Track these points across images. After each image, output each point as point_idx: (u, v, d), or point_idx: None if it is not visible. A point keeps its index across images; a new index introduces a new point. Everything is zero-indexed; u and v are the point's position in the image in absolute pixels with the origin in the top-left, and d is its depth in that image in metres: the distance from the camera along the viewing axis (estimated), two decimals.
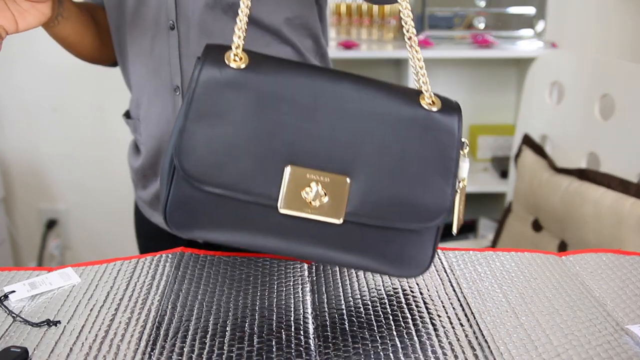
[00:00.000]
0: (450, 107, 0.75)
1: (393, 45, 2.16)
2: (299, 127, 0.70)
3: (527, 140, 1.63)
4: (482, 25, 2.14)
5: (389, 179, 0.71)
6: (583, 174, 1.42)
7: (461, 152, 0.74)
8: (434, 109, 0.73)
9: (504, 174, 2.12)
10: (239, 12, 0.71)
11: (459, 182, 0.75)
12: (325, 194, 0.70)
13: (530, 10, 2.13)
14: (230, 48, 0.72)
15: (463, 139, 0.75)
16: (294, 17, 1.04)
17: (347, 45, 2.11)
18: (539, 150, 1.59)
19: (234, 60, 0.71)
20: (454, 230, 0.76)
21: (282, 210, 0.70)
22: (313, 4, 1.07)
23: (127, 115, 1.17)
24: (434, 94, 0.75)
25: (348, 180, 0.71)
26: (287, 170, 0.70)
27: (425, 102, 0.74)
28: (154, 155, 1.10)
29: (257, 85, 0.70)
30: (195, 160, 0.69)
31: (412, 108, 0.73)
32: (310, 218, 0.71)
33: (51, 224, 2.37)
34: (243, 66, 0.71)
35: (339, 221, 0.71)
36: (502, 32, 2.15)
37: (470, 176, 2.20)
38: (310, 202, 0.70)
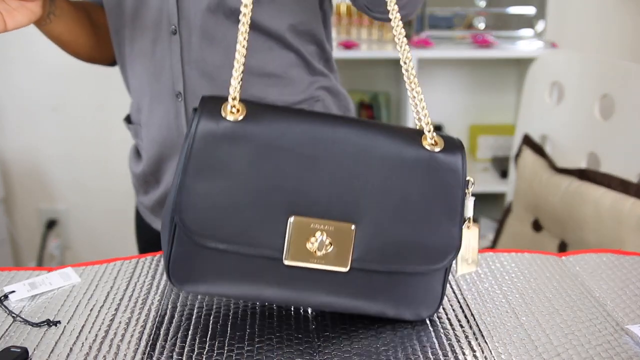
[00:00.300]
0: (453, 146, 0.73)
1: (393, 45, 2.16)
2: (300, 176, 0.69)
3: (527, 140, 1.63)
4: (482, 25, 2.14)
5: (394, 223, 0.71)
6: (583, 174, 1.42)
7: (466, 190, 0.73)
8: (437, 149, 0.72)
9: (504, 174, 2.12)
10: (234, 62, 0.70)
11: (466, 221, 0.74)
12: (331, 243, 0.69)
13: (530, 10, 2.13)
14: (226, 99, 0.70)
15: (468, 177, 0.73)
16: (298, 24, 1.03)
17: (347, 45, 2.11)
18: (539, 150, 1.59)
19: (231, 112, 0.70)
20: (458, 272, 0.75)
21: (287, 262, 0.69)
22: (317, 10, 1.06)
23: (128, 120, 1.16)
24: (436, 133, 0.74)
25: (353, 227, 0.70)
26: (291, 220, 0.69)
27: (427, 142, 0.72)
28: (156, 161, 1.09)
29: (255, 137, 0.69)
30: (197, 216, 0.68)
31: (415, 149, 0.71)
32: (316, 268, 0.70)
33: (51, 224, 2.37)
34: (240, 118, 0.69)
35: (346, 269, 0.70)
36: (502, 32, 2.15)
37: (470, 176, 2.20)
38: (315, 252, 0.69)
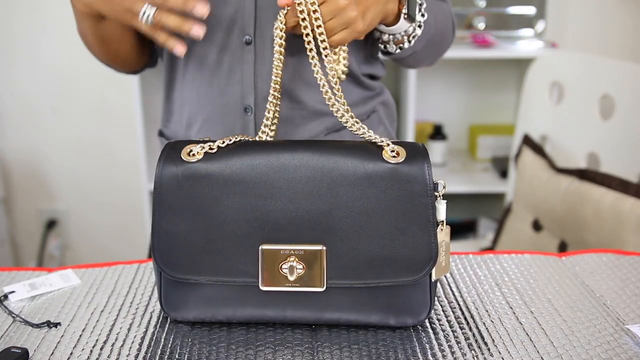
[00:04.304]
0: (416, 153, 0.73)
1: None
2: (265, 206, 0.72)
3: (527, 140, 1.63)
4: (482, 25, 2.14)
5: (364, 239, 0.72)
6: (583, 174, 1.42)
7: (436, 194, 0.73)
8: (399, 160, 0.72)
9: (504, 174, 2.12)
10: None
11: (438, 225, 0.73)
12: (303, 267, 0.72)
13: (530, 10, 2.13)
14: (187, 143, 0.75)
15: (438, 181, 0.73)
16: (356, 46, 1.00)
17: None
18: (539, 150, 1.59)
19: (190, 154, 0.74)
20: (434, 276, 0.74)
21: (264, 288, 0.72)
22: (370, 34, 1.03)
23: (161, 134, 1.08)
24: (398, 143, 0.75)
25: (323, 248, 0.72)
26: (261, 250, 0.72)
27: (388, 154, 0.73)
28: None
29: (215, 174, 0.73)
30: (171, 255, 0.73)
31: (375, 163, 0.72)
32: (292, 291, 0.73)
33: (51, 224, 2.37)
34: (200, 158, 0.73)
35: (322, 289, 0.72)
36: (502, 32, 2.15)
37: (470, 176, 2.20)
38: (288, 277, 0.72)
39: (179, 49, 0.86)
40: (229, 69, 0.96)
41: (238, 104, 0.97)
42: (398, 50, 0.96)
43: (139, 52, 1.03)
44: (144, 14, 0.83)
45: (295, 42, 0.95)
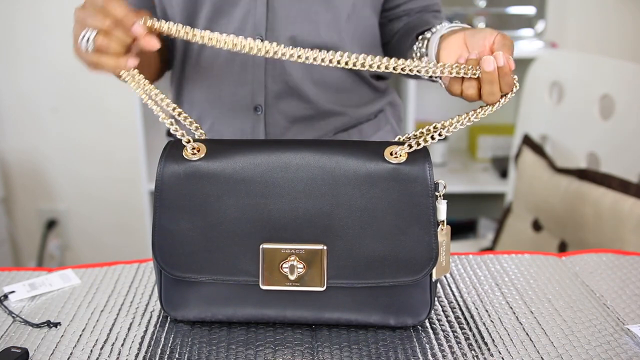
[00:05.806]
0: (417, 154, 0.74)
1: None
2: (266, 204, 0.72)
3: (527, 140, 1.63)
4: (482, 25, 2.13)
5: (365, 239, 0.72)
6: (583, 174, 1.42)
7: (437, 194, 0.73)
8: (400, 160, 0.73)
9: (504, 174, 2.12)
10: (154, 105, 0.76)
11: (439, 225, 0.73)
12: (304, 266, 0.72)
13: (530, 10, 2.12)
14: (189, 141, 0.74)
15: (439, 181, 0.73)
16: (363, 49, 0.99)
17: None
18: (539, 150, 1.59)
19: (192, 153, 0.74)
20: (434, 276, 0.74)
21: (264, 287, 0.72)
22: (377, 34, 1.04)
23: (169, 133, 1.08)
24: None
25: (324, 247, 0.72)
26: (262, 249, 0.72)
27: (389, 155, 0.73)
28: None
29: (217, 173, 0.73)
30: (172, 254, 0.73)
31: (377, 164, 0.72)
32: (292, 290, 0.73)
33: (51, 224, 2.37)
34: (201, 157, 0.73)
35: (322, 289, 0.72)
36: (502, 32, 2.14)
37: (470, 176, 2.20)
38: (288, 276, 0.72)
39: (132, 63, 0.78)
40: (239, 69, 0.96)
41: (248, 103, 0.98)
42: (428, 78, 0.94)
43: (164, 69, 1.05)
44: (83, 37, 0.75)
45: (303, 42, 0.95)
